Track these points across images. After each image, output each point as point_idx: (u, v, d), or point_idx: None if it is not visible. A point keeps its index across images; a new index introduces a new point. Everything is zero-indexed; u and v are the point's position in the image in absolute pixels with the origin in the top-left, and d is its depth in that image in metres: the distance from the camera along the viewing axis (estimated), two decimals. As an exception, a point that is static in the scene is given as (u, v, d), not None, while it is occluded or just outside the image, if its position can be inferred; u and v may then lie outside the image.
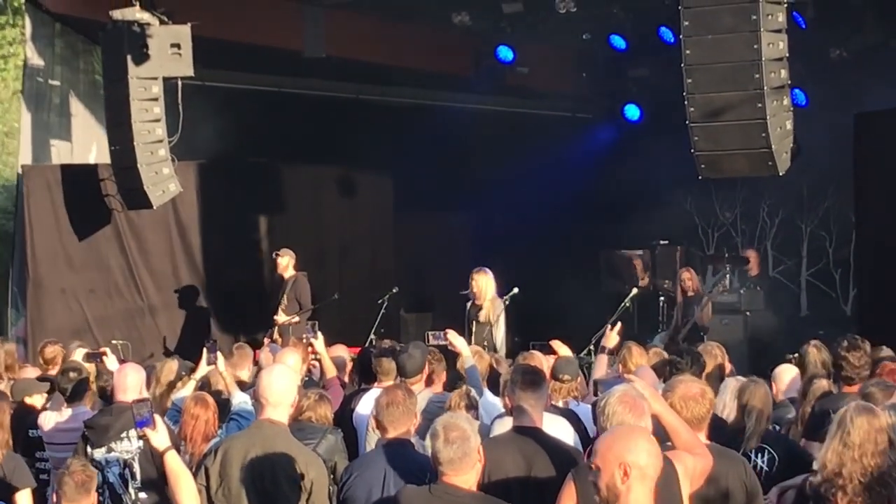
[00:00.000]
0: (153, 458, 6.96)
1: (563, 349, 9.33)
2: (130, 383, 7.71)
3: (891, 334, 10.23)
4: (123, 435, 7.48)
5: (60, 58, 16.43)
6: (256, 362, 10.49)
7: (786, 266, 18.96)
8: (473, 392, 8.11)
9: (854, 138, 14.07)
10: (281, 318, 14.88)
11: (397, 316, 16.16)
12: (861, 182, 14.34)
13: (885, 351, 9.11)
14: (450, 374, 9.00)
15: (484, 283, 12.66)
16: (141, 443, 7.29)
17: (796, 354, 9.46)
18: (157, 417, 6.35)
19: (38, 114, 16.23)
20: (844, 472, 5.73)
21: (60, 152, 16.61)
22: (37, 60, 16.01)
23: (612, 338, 9.77)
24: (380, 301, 15.06)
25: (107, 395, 8.69)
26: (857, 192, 14.59)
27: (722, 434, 7.03)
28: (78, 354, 9.99)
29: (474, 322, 12.64)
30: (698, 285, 16.01)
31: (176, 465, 6.22)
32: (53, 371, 10.07)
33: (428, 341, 9.48)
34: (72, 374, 8.53)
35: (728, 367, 9.40)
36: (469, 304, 12.90)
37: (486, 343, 11.99)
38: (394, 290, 15.26)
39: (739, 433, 7.24)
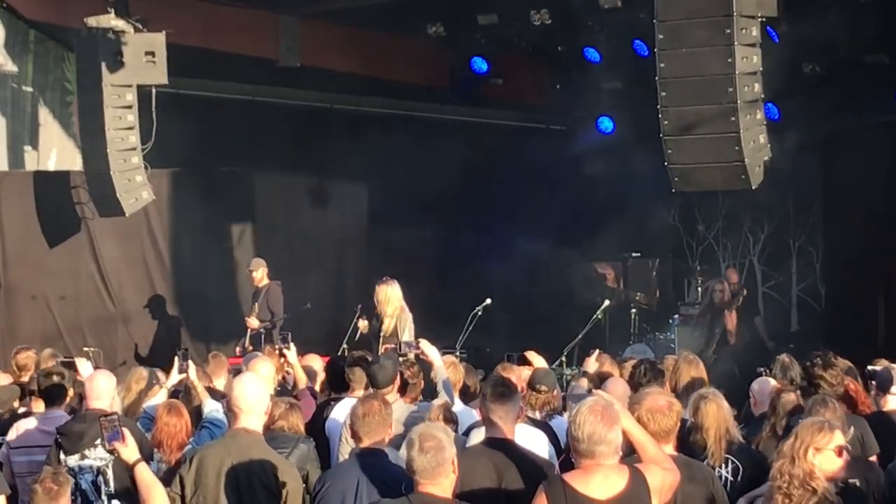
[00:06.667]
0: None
1: (538, 360, 9.33)
2: (102, 389, 7.72)
3: (855, 349, 10.34)
4: (97, 442, 7.44)
5: (34, 64, 16.35)
6: (232, 371, 10.44)
7: (776, 281, 18.91)
8: (454, 406, 8.12)
9: (824, 156, 14.18)
10: (254, 322, 14.89)
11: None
12: (831, 198, 14.45)
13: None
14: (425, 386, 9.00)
15: (384, 295, 12.53)
16: (113, 453, 7.27)
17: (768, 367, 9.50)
18: (126, 431, 6.36)
19: (11, 120, 16.13)
20: (781, 476, 5.76)
21: (30, 159, 16.52)
22: (10, 67, 15.93)
23: (591, 363, 9.90)
24: (354, 311, 15.06)
25: (79, 402, 8.62)
26: (825, 208, 14.69)
27: (686, 447, 7.03)
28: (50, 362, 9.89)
29: (380, 336, 12.57)
30: (730, 297, 16.22)
31: (147, 477, 6.21)
32: (26, 377, 9.99)
33: (400, 350, 9.47)
34: (55, 377, 8.45)
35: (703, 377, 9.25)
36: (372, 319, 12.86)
37: None
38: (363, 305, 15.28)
39: (703, 448, 7.22)
